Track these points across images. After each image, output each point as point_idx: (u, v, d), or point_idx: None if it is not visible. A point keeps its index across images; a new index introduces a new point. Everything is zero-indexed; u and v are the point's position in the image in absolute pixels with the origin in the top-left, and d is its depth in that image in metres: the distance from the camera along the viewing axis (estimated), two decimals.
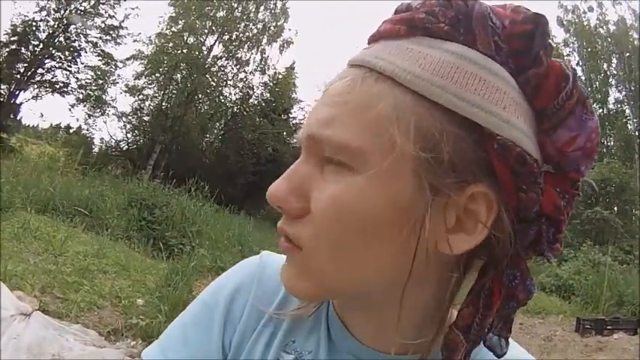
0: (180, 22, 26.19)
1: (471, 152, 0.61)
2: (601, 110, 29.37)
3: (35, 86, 21.94)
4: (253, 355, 0.83)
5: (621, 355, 8.69)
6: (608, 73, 29.68)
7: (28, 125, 27.99)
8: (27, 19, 21.49)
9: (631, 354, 8.73)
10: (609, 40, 29.23)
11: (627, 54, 27.89)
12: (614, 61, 29.30)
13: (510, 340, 0.73)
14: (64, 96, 22.68)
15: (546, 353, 8.92)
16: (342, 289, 0.71)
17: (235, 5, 27.43)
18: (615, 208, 23.33)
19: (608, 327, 10.38)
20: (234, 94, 28.84)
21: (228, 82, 28.33)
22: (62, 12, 21.92)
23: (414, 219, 0.62)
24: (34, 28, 21.26)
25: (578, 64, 30.51)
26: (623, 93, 28.84)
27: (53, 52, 21.90)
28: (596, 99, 29.38)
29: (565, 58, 30.76)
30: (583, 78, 30.01)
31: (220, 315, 0.86)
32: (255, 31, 28.53)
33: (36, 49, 21.33)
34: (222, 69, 27.95)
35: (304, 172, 0.67)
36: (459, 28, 0.63)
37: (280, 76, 29.96)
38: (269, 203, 0.67)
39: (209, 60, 26.85)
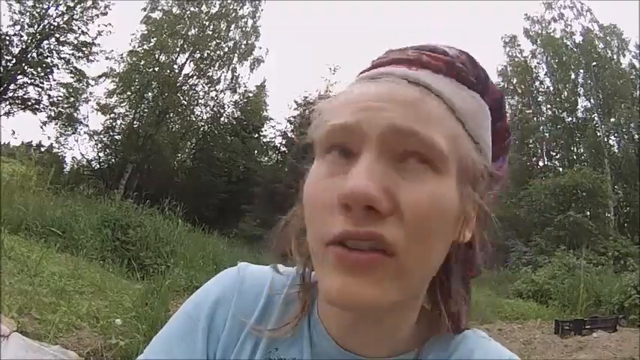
0: (152, 39, 26.13)
1: None
2: (570, 119, 30.09)
3: (7, 102, 21.72)
4: None
5: (602, 352, 8.80)
6: (577, 82, 30.22)
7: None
8: (0, 33, 21.32)
9: (611, 350, 8.86)
10: (576, 50, 29.78)
11: (594, 63, 28.49)
12: (582, 71, 29.80)
13: (494, 341, 0.87)
14: (35, 113, 22.55)
15: (527, 356, 9.00)
16: (416, 294, 0.76)
17: (207, 24, 27.60)
18: (588, 212, 23.76)
19: (587, 327, 10.61)
20: (205, 113, 28.99)
21: (200, 100, 28.43)
22: (36, 27, 21.77)
23: (460, 221, 0.72)
24: (7, 43, 21.07)
25: (546, 74, 31.11)
26: (592, 101, 29.36)
27: (26, 68, 21.66)
28: (565, 108, 30.13)
29: (533, 69, 31.54)
30: (552, 88, 30.59)
31: (203, 327, 0.87)
32: (226, 49, 28.72)
33: (8, 64, 21.10)
34: (194, 87, 28.04)
35: (381, 170, 0.66)
36: (478, 83, 0.78)
37: (251, 95, 30.01)
38: (352, 202, 0.64)
39: (180, 78, 26.83)
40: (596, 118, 29.39)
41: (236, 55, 29.19)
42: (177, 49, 26.85)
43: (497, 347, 0.86)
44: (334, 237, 0.66)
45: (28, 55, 21.67)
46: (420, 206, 0.65)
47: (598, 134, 28.83)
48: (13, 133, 26.27)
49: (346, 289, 0.66)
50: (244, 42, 29.48)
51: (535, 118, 31.83)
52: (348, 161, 0.68)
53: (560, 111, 30.74)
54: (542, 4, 31.37)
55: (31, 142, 26.90)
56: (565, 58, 30.23)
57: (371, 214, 0.64)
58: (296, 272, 0.88)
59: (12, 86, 21.63)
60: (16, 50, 21.42)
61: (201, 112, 28.79)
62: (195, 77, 27.82)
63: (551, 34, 31.07)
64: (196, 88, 28.15)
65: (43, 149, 25.07)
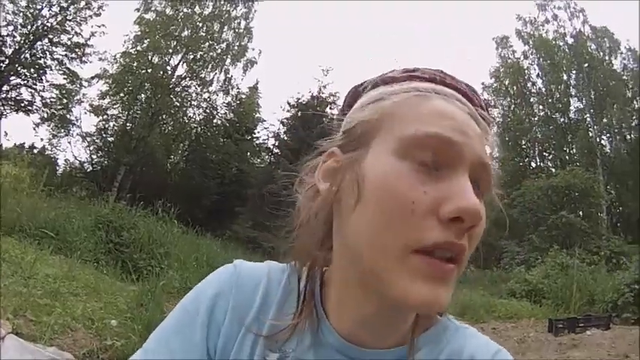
0: (145, 41, 26.14)
1: None
2: (562, 119, 30.13)
3: (0, 104, 21.69)
4: (241, 356, 0.86)
5: (596, 350, 8.82)
6: (569, 83, 30.33)
7: None
8: None
9: (605, 348, 8.87)
10: (567, 51, 29.85)
11: (586, 65, 28.59)
12: (574, 72, 29.88)
13: (483, 335, 0.90)
14: (28, 114, 22.61)
15: (521, 354, 9.03)
16: None
17: (200, 25, 27.56)
18: (581, 212, 23.87)
19: (581, 325, 10.65)
20: (198, 115, 28.98)
21: (192, 102, 28.48)
22: (29, 27, 21.73)
23: None
24: (0, 43, 21.03)
25: (538, 75, 31.18)
26: (584, 102, 29.46)
27: (19, 68, 21.66)
28: (558, 109, 30.13)
29: (525, 70, 31.64)
30: (544, 89, 30.67)
31: (202, 320, 0.88)
32: (219, 50, 28.73)
33: (1, 65, 21.06)
34: (186, 89, 28.04)
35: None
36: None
37: (244, 96, 29.95)
38: (469, 219, 0.69)
39: (173, 80, 26.81)
40: (588, 119, 29.57)
41: (229, 56, 29.22)
42: (171, 51, 26.88)
43: (486, 340, 0.89)
44: (429, 245, 0.69)
45: (21, 56, 21.65)
46: (482, 226, 0.74)
47: (590, 135, 29.01)
48: (6, 134, 26.21)
49: (432, 298, 0.70)
50: (237, 43, 29.53)
51: (528, 119, 31.90)
52: (439, 174, 0.71)
53: (552, 112, 30.86)
54: (535, 5, 31.47)
55: (24, 143, 26.87)
56: (557, 59, 30.33)
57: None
58: (298, 268, 0.91)
59: (5, 87, 21.61)
60: (9, 51, 21.42)
61: (194, 113, 28.86)
62: (188, 79, 27.87)
63: (544, 35, 31.15)
64: (189, 90, 28.20)
65: (35, 151, 25.03)
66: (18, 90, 22.27)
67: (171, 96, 26.67)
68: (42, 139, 24.04)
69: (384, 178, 0.72)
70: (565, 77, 30.76)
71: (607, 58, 29.82)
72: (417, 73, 0.82)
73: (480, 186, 0.74)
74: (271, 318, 0.88)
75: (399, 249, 0.70)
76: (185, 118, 28.31)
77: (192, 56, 27.53)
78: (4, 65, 21.11)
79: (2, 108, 21.66)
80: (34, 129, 23.62)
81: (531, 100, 32.24)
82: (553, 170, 28.84)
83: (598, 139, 28.95)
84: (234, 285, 0.92)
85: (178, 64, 27.17)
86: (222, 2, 28.62)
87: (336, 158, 0.82)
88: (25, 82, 22.15)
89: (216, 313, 0.89)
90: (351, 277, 0.81)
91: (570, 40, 30.29)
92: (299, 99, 26.68)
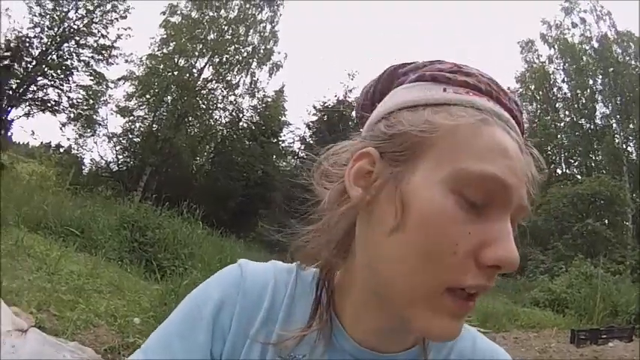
0: (171, 43, 26.41)
1: None
2: (588, 125, 29.70)
3: (27, 103, 22.07)
4: None
5: None
6: (594, 88, 29.95)
7: (19, 143, 27.98)
8: (20, 34, 21.74)
9: None
10: (593, 56, 29.46)
11: (611, 69, 28.18)
12: (600, 76, 29.48)
13: (484, 336, 0.92)
14: (55, 114, 22.89)
15: None
16: None
17: (226, 28, 27.72)
18: (606, 221, 23.55)
19: (603, 336, 10.52)
20: (224, 117, 29.05)
21: (218, 104, 28.52)
22: (56, 29, 22.07)
23: None
24: (27, 45, 21.40)
25: (564, 80, 30.81)
26: (610, 108, 29.06)
27: (46, 69, 22.03)
28: (584, 114, 29.71)
29: (550, 75, 31.25)
30: (570, 95, 30.30)
31: (207, 327, 0.85)
32: (245, 54, 28.79)
33: (29, 65, 21.50)
34: (212, 92, 28.17)
35: None
36: None
37: (269, 99, 29.99)
38: (506, 268, 0.69)
39: (199, 82, 26.96)
40: (614, 125, 29.13)
41: (255, 59, 29.25)
42: (197, 54, 27.08)
43: (490, 343, 0.92)
44: (464, 286, 0.69)
45: (48, 57, 22.05)
46: None
47: (616, 141, 28.57)
48: (33, 133, 26.58)
49: (452, 331, 0.72)
50: (263, 47, 29.57)
51: (554, 125, 31.55)
52: (483, 213, 0.69)
53: (578, 117, 30.49)
54: (561, 8, 31.10)
55: (50, 142, 27.12)
56: (583, 64, 29.96)
57: None
58: (314, 276, 0.91)
59: (32, 87, 22.00)
60: (36, 52, 21.84)
61: (220, 116, 28.94)
62: (214, 81, 28.02)
63: (569, 39, 30.79)
64: (215, 93, 28.33)
65: (62, 150, 25.29)
66: (45, 90, 22.60)
67: (197, 98, 26.82)
68: (68, 139, 24.31)
69: (432, 213, 0.69)
70: (591, 82, 30.31)
71: (633, 62, 29.35)
72: (472, 80, 0.77)
73: (514, 222, 0.73)
74: (279, 321, 0.87)
75: (434, 287, 0.69)
76: (211, 120, 28.42)
77: (218, 59, 27.70)
78: (31, 66, 21.48)
79: (29, 107, 22.05)
80: (61, 129, 23.92)
81: (557, 105, 31.85)
82: (579, 177, 28.50)
83: (624, 146, 28.52)
84: (240, 288, 0.89)
85: (204, 66, 27.38)
86: (247, 6, 28.74)
87: (371, 160, 0.77)
88: (52, 82, 22.52)
89: (222, 318, 0.86)
90: (371, 297, 0.80)
91: (596, 45, 29.88)
92: (325, 102, 26.75)
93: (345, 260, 0.85)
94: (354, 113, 1.02)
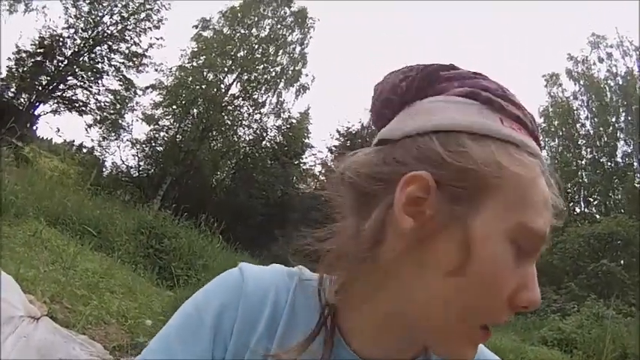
0: (201, 57, 26.67)
1: None
2: (610, 164, 29.40)
3: (55, 101, 22.54)
4: None
5: None
6: (617, 126, 29.65)
7: (43, 138, 28.30)
8: (55, 33, 22.29)
9: None
10: (618, 92, 29.28)
11: (635, 106, 27.90)
12: (623, 114, 29.31)
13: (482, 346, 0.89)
14: (81, 115, 23.34)
15: None
16: None
17: (256, 47, 28.01)
18: (622, 262, 23.26)
19: None
20: (248, 135, 29.13)
21: (243, 122, 28.64)
22: (89, 32, 22.54)
23: None
24: (60, 44, 21.83)
25: (587, 117, 30.57)
26: (631, 146, 28.79)
27: (76, 70, 22.52)
28: (605, 152, 29.40)
29: (575, 112, 30.96)
30: (592, 132, 30.05)
31: (208, 332, 0.83)
32: (273, 73, 28.98)
33: (60, 64, 22.05)
34: (239, 108, 28.36)
35: None
36: None
37: (294, 121, 30.07)
38: (530, 308, 0.72)
39: (226, 98, 27.21)
40: (635, 164, 28.82)
41: (282, 80, 29.41)
42: (226, 69, 27.33)
43: (490, 353, 0.94)
44: (495, 324, 0.74)
45: (80, 59, 22.59)
46: None
47: (637, 180, 28.26)
48: (58, 130, 26.96)
49: (471, 356, 0.75)
50: (291, 68, 29.71)
51: (575, 163, 31.23)
52: (523, 257, 0.71)
53: (600, 155, 30.19)
54: (588, 42, 30.87)
55: (74, 141, 27.42)
56: (606, 100, 29.71)
57: None
58: (318, 286, 0.88)
59: (61, 86, 22.47)
60: (68, 52, 22.37)
61: (244, 133, 29.01)
62: (240, 98, 28.21)
63: (595, 74, 30.54)
64: (241, 109, 28.50)
65: (84, 150, 25.66)
66: (74, 90, 23.15)
67: (223, 114, 27.02)
68: (92, 140, 24.69)
69: (494, 262, 0.70)
70: (613, 119, 30.00)
71: None
72: (521, 115, 0.77)
73: None
74: (281, 326, 0.85)
75: (474, 326, 0.73)
76: (235, 136, 28.54)
77: (246, 77, 27.93)
78: (62, 65, 21.91)
79: (57, 105, 22.50)
80: (86, 129, 24.23)
81: (579, 142, 31.53)
82: (597, 217, 28.17)
83: None
84: (241, 292, 0.86)
85: (232, 83, 27.60)
86: (278, 26, 29.04)
87: (424, 186, 0.71)
88: (82, 83, 23.07)
89: (224, 323, 0.84)
90: (393, 322, 0.79)
91: (621, 81, 29.60)
92: (349, 128, 26.71)
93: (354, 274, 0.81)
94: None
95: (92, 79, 22.94)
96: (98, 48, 23.14)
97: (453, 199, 0.70)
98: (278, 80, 29.26)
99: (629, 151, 29.23)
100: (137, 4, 24.23)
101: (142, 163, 26.09)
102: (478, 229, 0.69)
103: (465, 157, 0.70)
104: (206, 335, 0.82)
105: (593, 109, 30.26)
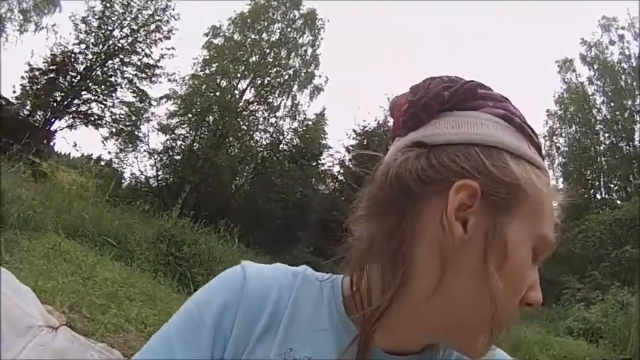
0: (213, 65, 26.78)
1: None
2: (628, 148, 28.83)
3: (70, 116, 22.74)
4: None
5: None
6: (633, 109, 29.08)
7: (61, 153, 28.56)
8: (66, 50, 22.54)
9: None
10: (632, 75, 28.66)
11: None
12: (638, 97, 28.74)
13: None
14: (97, 128, 23.52)
15: None
16: None
17: (267, 51, 27.99)
18: None
19: None
20: (265, 139, 29.08)
21: (259, 126, 28.65)
22: (100, 47, 22.75)
23: None
24: (72, 60, 22.10)
25: (603, 102, 30.02)
26: None
27: (90, 84, 22.74)
28: (622, 137, 28.87)
29: (590, 97, 30.42)
30: (608, 116, 29.49)
31: (208, 331, 0.85)
32: (286, 77, 28.92)
33: (73, 80, 22.30)
34: (254, 113, 28.35)
35: None
36: None
37: (310, 122, 30.03)
38: (535, 306, 0.82)
39: (241, 104, 27.22)
40: None
41: (296, 82, 29.37)
42: (239, 75, 27.37)
43: (504, 354, 0.96)
44: (512, 323, 0.81)
45: (93, 73, 22.75)
46: None
47: None
48: (75, 145, 27.22)
49: (483, 354, 0.82)
50: (304, 70, 29.65)
51: (593, 148, 30.71)
52: (534, 262, 0.82)
53: (618, 140, 29.66)
54: (598, 25, 30.42)
55: (92, 155, 27.64)
56: (621, 83, 29.22)
57: None
58: (344, 282, 0.91)
59: (76, 101, 22.66)
60: (80, 67, 22.54)
61: (261, 137, 28.99)
62: (255, 103, 28.18)
63: (608, 58, 30.02)
64: (256, 114, 28.49)
65: (102, 163, 25.80)
66: (89, 105, 23.35)
67: (239, 119, 27.00)
68: (109, 152, 24.85)
69: (522, 267, 0.79)
70: (629, 103, 29.47)
71: None
72: (539, 142, 0.87)
73: None
74: (282, 326, 0.87)
75: (497, 324, 0.77)
76: (252, 141, 28.50)
77: (259, 81, 27.89)
78: (75, 80, 22.13)
79: (73, 120, 22.73)
80: (103, 142, 24.38)
81: (596, 128, 30.96)
82: (618, 202, 27.64)
83: None
84: (243, 293, 0.88)
85: (246, 88, 27.57)
86: (289, 30, 29.03)
87: (472, 194, 0.77)
88: (96, 97, 23.26)
89: (224, 322, 0.86)
90: (417, 320, 0.82)
91: (635, 62, 28.94)
92: (365, 126, 26.63)
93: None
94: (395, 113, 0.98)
95: (106, 92, 23.14)
96: (110, 61, 23.33)
97: (494, 208, 0.77)
98: (291, 83, 29.21)
99: None
100: (146, 17, 24.47)
101: (160, 173, 26.19)
102: (511, 238, 0.77)
103: (507, 172, 0.78)
104: (206, 334, 0.84)
105: (609, 93, 29.75)
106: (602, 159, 29.96)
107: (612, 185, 30.05)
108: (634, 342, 12.52)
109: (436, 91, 0.85)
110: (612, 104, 29.54)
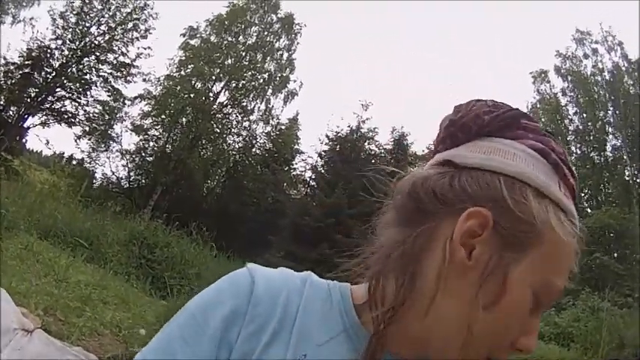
0: (189, 66, 26.75)
1: None
2: (599, 158, 29.52)
3: (44, 113, 22.53)
4: None
5: None
6: (605, 120, 29.79)
7: (32, 150, 28.33)
8: (42, 44, 22.35)
9: None
10: (605, 87, 29.45)
11: (623, 101, 28.07)
12: (611, 108, 29.49)
13: None
14: (71, 126, 23.36)
15: None
16: None
17: (243, 54, 28.03)
18: (615, 254, 23.35)
19: None
20: (238, 142, 29.15)
21: (232, 129, 28.72)
22: (77, 43, 22.54)
23: None
24: (48, 55, 21.87)
25: (576, 113, 30.66)
26: (620, 140, 28.91)
27: (65, 81, 22.52)
28: (594, 147, 29.54)
29: (563, 107, 30.98)
30: (580, 127, 30.14)
31: (212, 334, 0.82)
32: (261, 80, 29.00)
33: (48, 76, 22.07)
34: (227, 116, 28.41)
35: None
36: None
37: (283, 127, 30.09)
38: (526, 353, 0.81)
39: (215, 106, 27.21)
40: (625, 157, 28.93)
41: (270, 86, 29.43)
42: (213, 78, 27.36)
43: None
44: (497, 358, 0.80)
45: (68, 70, 22.60)
46: None
47: (627, 173, 28.43)
48: (47, 143, 26.96)
49: None
50: (279, 74, 29.73)
51: None
52: (536, 308, 0.79)
53: (589, 150, 30.30)
54: (572, 39, 31.00)
55: (64, 153, 27.46)
56: (594, 95, 29.85)
57: None
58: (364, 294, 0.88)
59: (50, 98, 22.47)
60: (56, 64, 22.38)
61: (234, 141, 29.04)
62: (229, 106, 28.23)
63: (582, 70, 30.67)
64: (230, 117, 28.55)
65: (74, 162, 25.65)
66: (62, 102, 23.15)
67: (212, 122, 27.08)
68: (82, 152, 24.72)
69: (519, 307, 0.77)
70: (602, 114, 30.11)
71: None
72: (574, 184, 0.86)
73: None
74: (294, 332, 0.84)
75: (483, 354, 0.78)
76: (224, 144, 28.56)
77: (234, 84, 27.93)
78: (50, 77, 21.94)
79: (46, 117, 22.55)
80: (76, 141, 24.30)
81: (568, 138, 31.55)
82: (588, 211, 28.25)
83: (635, 178, 28.33)
84: (251, 297, 0.85)
85: (221, 91, 27.64)
86: (265, 33, 29.08)
87: (483, 224, 0.76)
88: (70, 95, 23.08)
89: (230, 328, 0.83)
90: (419, 338, 0.82)
91: (608, 76, 29.75)
92: (338, 132, 26.69)
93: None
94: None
95: (80, 90, 22.98)
96: (86, 59, 23.22)
97: (504, 242, 0.76)
98: (266, 87, 29.29)
99: (619, 144, 29.35)
100: (124, 14, 24.33)
101: (132, 174, 26.13)
102: (515, 276, 0.75)
103: (524, 208, 0.76)
104: (210, 338, 0.82)
105: (582, 104, 30.37)
106: (573, 168, 30.44)
107: (583, 194, 30.58)
108: (605, 345, 12.75)
109: (477, 113, 0.85)
110: (585, 115, 30.18)
